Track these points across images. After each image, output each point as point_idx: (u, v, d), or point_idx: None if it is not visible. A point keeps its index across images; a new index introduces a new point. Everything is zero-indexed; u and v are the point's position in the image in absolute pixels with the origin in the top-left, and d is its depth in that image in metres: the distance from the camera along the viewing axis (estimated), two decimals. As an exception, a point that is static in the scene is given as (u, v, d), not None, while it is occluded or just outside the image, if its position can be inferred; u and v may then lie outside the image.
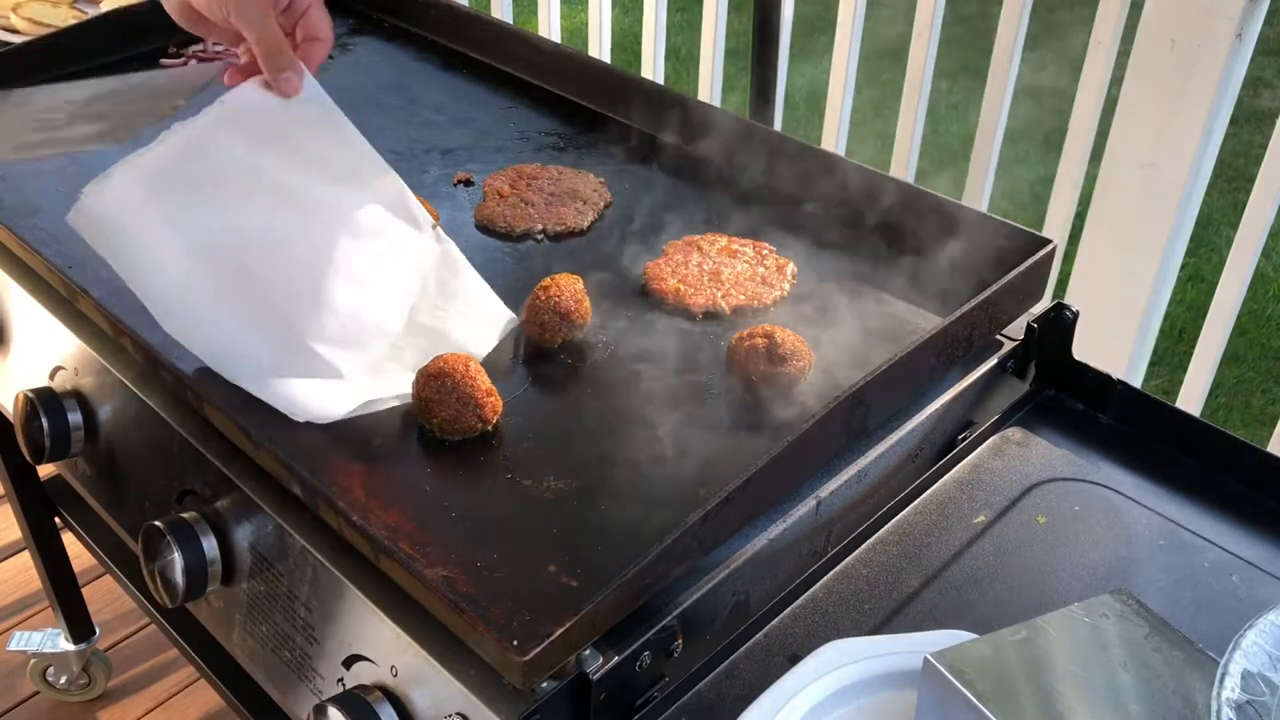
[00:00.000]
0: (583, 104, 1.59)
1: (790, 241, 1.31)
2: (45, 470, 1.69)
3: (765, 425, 1.06)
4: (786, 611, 1.01)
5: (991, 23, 2.02)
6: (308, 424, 1.04)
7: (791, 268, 1.27)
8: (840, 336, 1.16)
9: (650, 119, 1.52)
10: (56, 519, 1.75)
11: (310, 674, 1.01)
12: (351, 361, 1.06)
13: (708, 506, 0.88)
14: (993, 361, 1.17)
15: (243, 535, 1.05)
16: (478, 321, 1.14)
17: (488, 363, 1.08)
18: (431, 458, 1.02)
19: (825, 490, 1.01)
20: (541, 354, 1.14)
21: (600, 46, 2.84)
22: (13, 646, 1.98)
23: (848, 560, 1.06)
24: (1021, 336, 1.20)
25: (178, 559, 1.05)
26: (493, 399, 1.03)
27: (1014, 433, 1.20)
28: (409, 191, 1.14)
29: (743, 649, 0.98)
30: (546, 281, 1.13)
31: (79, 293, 1.16)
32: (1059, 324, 1.19)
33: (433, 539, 0.92)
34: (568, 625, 0.81)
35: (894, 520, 1.10)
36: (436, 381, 1.01)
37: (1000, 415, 1.19)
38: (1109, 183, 1.84)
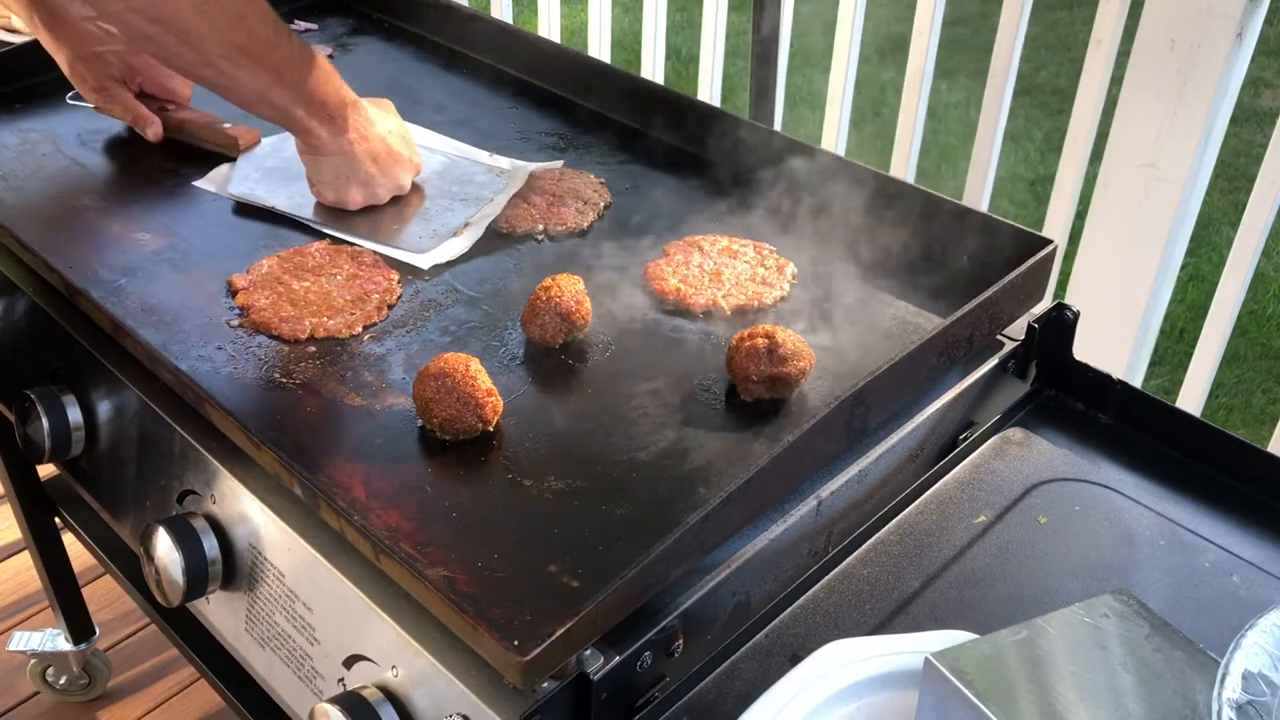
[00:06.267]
0: (583, 104, 1.59)
1: (791, 241, 1.31)
2: (45, 470, 1.69)
3: (765, 425, 1.06)
4: (787, 611, 1.01)
5: (992, 22, 2.02)
6: (306, 424, 1.04)
7: (791, 268, 1.27)
8: (840, 337, 1.16)
9: (650, 119, 1.52)
10: (56, 519, 1.75)
11: (310, 674, 1.01)
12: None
13: (708, 506, 0.88)
14: (993, 362, 1.17)
15: (243, 535, 1.05)
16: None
17: (488, 363, 1.08)
18: (431, 458, 1.02)
19: (826, 490, 1.01)
20: (542, 354, 1.14)
21: (600, 46, 2.84)
22: (13, 646, 1.98)
23: (848, 560, 1.06)
24: (1022, 337, 1.20)
25: (178, 559, 1.05)
26: (493, 399, 1.03)
27: (1015, 433, 1.20)
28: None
29: (743, 649, 0.98)
30: (547, 282, 1.13)
31: (79, 292, 1.16)
32: (1059, 324, 1.19)
33: (433, 539, 0.92)
34: (568, 625, 0.81)
35: (895, 520, 1.10)
36: (436, 381, 1.01)
37: (1001, 415, 1.19)
38: (1109, 183, 1.84)
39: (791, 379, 1.06)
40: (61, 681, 2.04)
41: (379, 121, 1.34)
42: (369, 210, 1.35)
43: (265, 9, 1.18)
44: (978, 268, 1.22)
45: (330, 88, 1.26)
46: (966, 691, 0.79)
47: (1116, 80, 1.83)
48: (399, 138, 1.36)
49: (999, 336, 1.20)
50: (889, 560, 1.06)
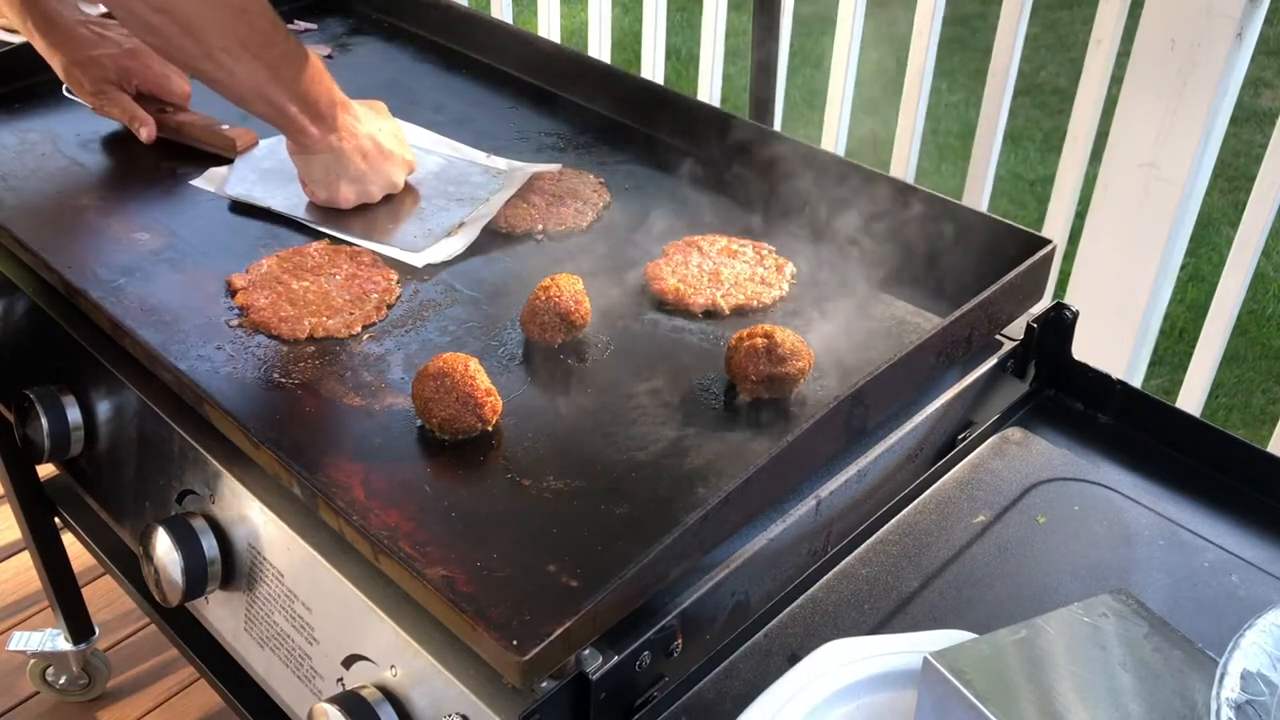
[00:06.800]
0: (582, 104, 1.59)
1: (790, 241, 1.31)
2: (45, 470, 1.69)
3: (765, 425, 1.06)
4: (786, 611, 1.01)
5: (991, 22, 2.02)
6: (305, 423, 1.04)
7: (791, 268, 1.27)
8: (840, 336, 1.16)
9: (650, 119, 1.52)
10: (56, 519, 1.75)
11: (309, 674, 1.01)
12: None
13: (708, 506, 0.88)
14: (992, 361, 1.17)
15: (243, 535, 1.05)
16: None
17: (487, 363, 1.08)
18: (431, 458, 1.02)
19: (825, 490, 1.01)
20: (541, 354, 1.14)
21: (600, 46, 2.84)
22: (13, 646, 1.98)
23: (847, 560, 1.06)
24: (1021, 336, 1.19)
25: (177, 559, 1.05)
26: (492, 399, 1.03)
27: (1014, 432, 1.20)
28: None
29: (742, 649, 0.98)
30: (546, 282, 1.13)
31: (78, 292, 1.16)
32: (1059, 324, 1.19)
33: (432, 539, 0.92)
34: (567, 625, 0.81)
35: (894, 520, 1.10)
36: (436, 381, 1.01)
37: (1000, 415, 1.19)
38: (1109, 183, 1.84)
39: (790, 378, 1.06)
40: (61, 681, 2.04)
41: (368, 120, 1.34)
42: (364, 209, 1.35)
43: (264, 4, 1.18)
44: (977, 267, 1.22)
45: (321, 87, 1.27)
46: (966, 691, 0.79)
47: (1116, 80, 1.83)
48: (390, 135, 1.36)
49: (998, 336, 1.20)
50: (888, 560, 1.06)
